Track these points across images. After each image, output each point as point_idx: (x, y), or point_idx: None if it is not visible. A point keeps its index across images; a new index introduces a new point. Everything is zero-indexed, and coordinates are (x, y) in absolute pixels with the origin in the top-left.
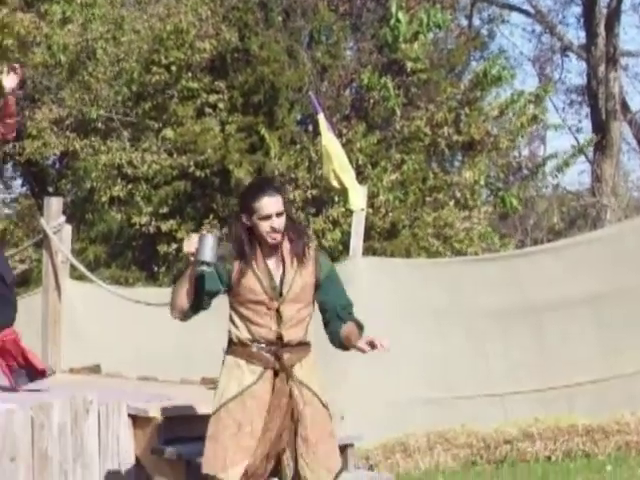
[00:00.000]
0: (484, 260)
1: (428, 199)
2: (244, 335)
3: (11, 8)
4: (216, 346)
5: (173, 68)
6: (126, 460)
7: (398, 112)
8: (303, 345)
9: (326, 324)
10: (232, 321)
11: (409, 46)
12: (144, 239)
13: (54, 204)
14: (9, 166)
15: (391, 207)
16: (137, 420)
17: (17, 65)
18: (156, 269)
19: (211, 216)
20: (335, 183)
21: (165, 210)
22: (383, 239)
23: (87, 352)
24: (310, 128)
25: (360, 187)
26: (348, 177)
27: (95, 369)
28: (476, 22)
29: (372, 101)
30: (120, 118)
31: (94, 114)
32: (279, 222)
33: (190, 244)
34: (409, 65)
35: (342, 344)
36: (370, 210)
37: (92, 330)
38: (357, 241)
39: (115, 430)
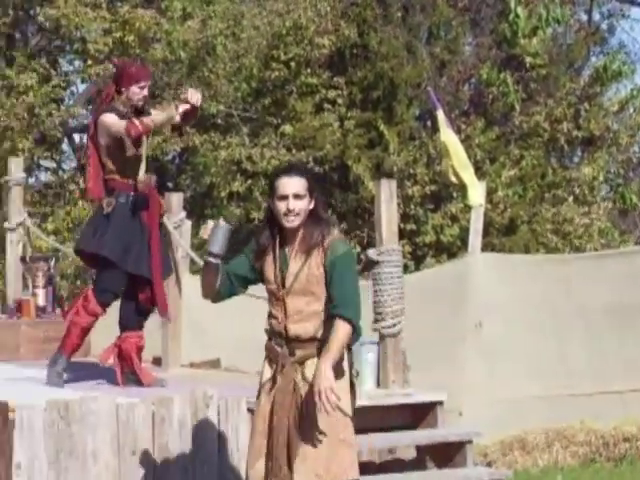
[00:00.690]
0: (603, 256)
1: (547, 195)
2: (266, 327)
3: (132, 5)
4: None
5: (292, 64)
6: (245, 454)
7: (517, 107)
8: (316, 341)
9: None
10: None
11: (528, 41)
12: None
13: (174, 200)
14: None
15: (510, 203)
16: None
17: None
18: None
19: (330, 211)
20: (454, 179)
21: None
22: (502, 235)
23: (207, 346)
24: (429, 124)
25: (479, 183)
26: (467, 173)
27: (215, 363)
28: (596, 17)
29: (491, 96)
30: (239, 114)
31: (214, 110)
32: (295, 204)
33: (204, 231)
34: (528, 60)
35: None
36: (489, 206)
37: (211, 324)
38: (475, 237)
39: (234, 424)
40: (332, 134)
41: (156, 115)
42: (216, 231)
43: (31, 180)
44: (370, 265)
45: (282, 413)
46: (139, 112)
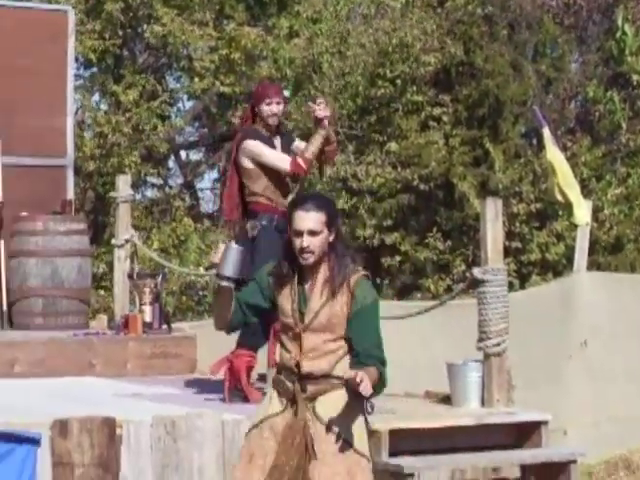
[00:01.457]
0: None
1: None
2: (278, 359)
3: (238, 22)
4: (441, 360)
5: (398, 81)
6: None
7: (624, 125)
8: (328, 378)
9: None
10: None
11: (635, 59)
12: (368, 252)
13: None
14: None
15: (616, 221)
16: None
17: (322, 99)
18: (380, 281)
19: (434, 229)
20: (559, 197)
21: (389, 223)
22: (607, 253)
23: None
24: (534, 141)
25: (585, 201)
26: (573, 192)
27: None
28: None
29: (597, 114)
30: (345, 131)
31: None
32: (309, 241)
33: (216, 253)
34: (635, 78)
35: None
36: (594, 224)
37: None
38: (581, 256)
39: None
40: (437, 152)
41: (309, 145)
42: (228, 253)
43: (137, 196)
44: (475, 284)
45: (290, 452)
46: (277, 132)
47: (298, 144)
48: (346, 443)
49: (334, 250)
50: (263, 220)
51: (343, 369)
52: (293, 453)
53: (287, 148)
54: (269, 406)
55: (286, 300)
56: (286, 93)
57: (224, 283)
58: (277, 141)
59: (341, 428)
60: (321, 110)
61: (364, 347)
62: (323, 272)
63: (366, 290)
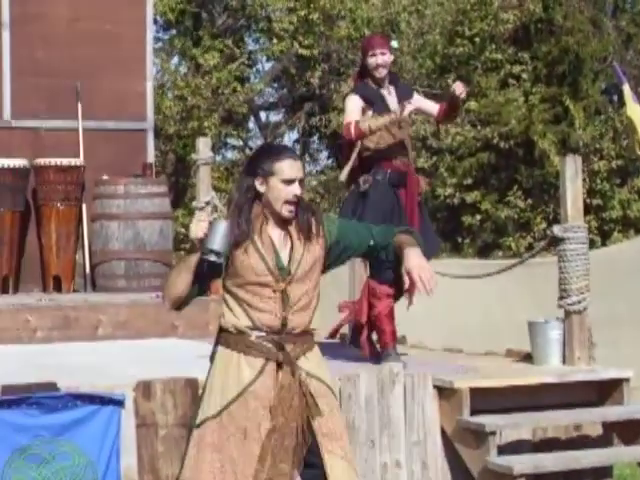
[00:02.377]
0: None
1: None
2: (242, 322)
3: None
4: (522, 318)
5: (477, 40)
6: (432, 431)
7: None
8: (307, 335)
9: (377, 261)
10: (227, 306)
11: None
12: (448, 210)
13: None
14: (315, 138)
15: None
16: (442, 391)
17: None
18: (460, 240)
19: (515, 187)
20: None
21: (469, 181)
22: None
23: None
24: (615, 98)
25: None
26: None
27: (401, 340)
28: None
29: None
30: (425, 90)
31: None
32: (300, 190)
33: (199, 229)
34: None
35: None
36: None
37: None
38: None
39: (421, 401)
40: (517, 109)
41: (376, 119)
42: (217, 227)
43: (218, 158)
44: (555, 242)
45: (291, 414)
46: (392, 82)
47: (418, 102)
48: (334, 396)
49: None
50: (377, 175)
51: (315, 322)
52: (292, 414)
53: (405, 98)
54: (241, 374)
55: (255, 259)
56: (394, 44)
57: (212, 258)
58: (390, 92)
59: (331, 383)
60: (461, 91)
61: (374, 237)
62: (282, 224)
63: (330, 219)
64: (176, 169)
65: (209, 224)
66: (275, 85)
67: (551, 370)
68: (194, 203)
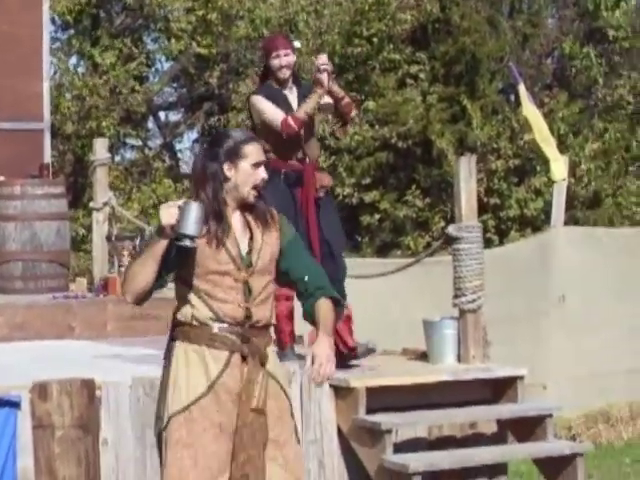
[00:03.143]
0: None
1: (631, 168)
2: (203, 314)
3: None
4: (419, 317)
5: (375, 40)
6: (328, 430)
7: (600, 81)
8: (268, 329)
9: (298, 296)
10: (182, 298)
11: (611, 14)
12: (347, 210)
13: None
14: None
15: (594, 176)
16: (339, 390)
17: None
18: (359, 239)
19: (413, 186)
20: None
21: (368, 181)
22: (586, 208)
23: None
24: (512, 97)
25: (561, 157)
26: (549, 148)
27: (298, 340)
28: None
29: (574, 70)
30: None
31: None
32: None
33: (170, 214)
34: (611, 33)
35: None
36: (572, 179)
37: None
38: (558, 211)
39: (317, 400)
40: (415, 109)
41: (303, 104)
42: (188, 210)
43: (117, 158)
44: (449, 241)
45: (254, 413)
46: (295, 83)
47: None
48: (287, 397)
49: None
50: (274, 177)
51: (273, 317)
52: (263, 409)
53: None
54: (206, 367)
55: (211, 246)
56: (297, 44)
57: (187, 243)
58: (292, 93)
59: (284, 382)
60: (324, 62)
61: (310, 276)
62: (241, 212)
63: (286, 222)
64: (74, 169)
65: (179, 208)
66: (174, 85)
67: (446, 368)
68: (91, 204)
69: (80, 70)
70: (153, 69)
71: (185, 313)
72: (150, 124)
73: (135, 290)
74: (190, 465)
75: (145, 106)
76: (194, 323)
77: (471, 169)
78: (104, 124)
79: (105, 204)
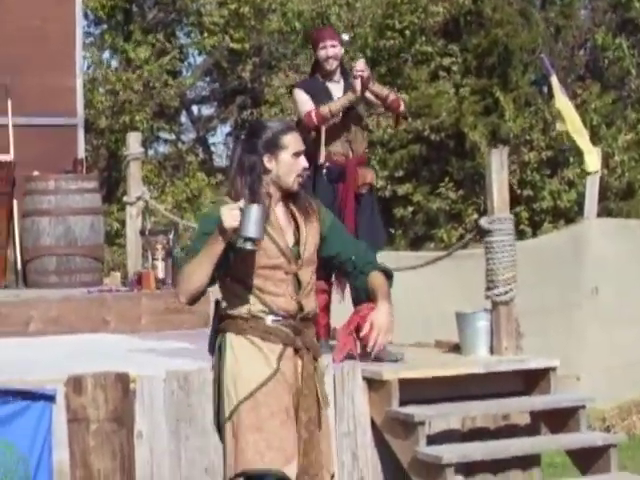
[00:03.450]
0: None
1: None
2: (256, 307)
3: None
4: (452, 310)
5: (407, 32)
6: (362, 422)
7: (633, 72)
8: (315, 319)
9: (347, 277)
10: (233, 295)
11: None
12: (380, 203)
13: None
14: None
15: (627, 167)
16: (372, 383)
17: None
18: (393, 232)
19: (446, 179)
20: (568, 144)
21: (401, 174)
22: (619, 199)
23: None
24: (544, 89)
25: (595, 149)
26: (582, 139)
27: (333, 332)
28: None
29: (606, 61)
30: None
31: None
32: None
33: (232, 217)
34: None
35: (369, 299)
36: (605, 171)
37: None
38: (591, 203)
39: (350, 393)
40: (448, 102)
41: (332, 102)
42: (250, 213)
43: (150, 152)
44: (482, 233)
45: (310, 401)
46: (342, 76)
47: (370, 92)
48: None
49: None
50: (316, 172)
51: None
52: (312, 401)
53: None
54: (266, 357)
55: (266, 241)
56: (345, 37)
57: (248, 246)
58: (337, 86)
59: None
60: (360, 69)
61: (357, 255)
62: (284, 203)
63: (323, 208)
64: (109, 164)
65: (240, 211)
66: (207, 79)
67: (479, 360)
68: (125, 198)
69: (113, 65)
70: (186, 63)
71: (237, 307)
72: (183, 118)
73: (190, 291)
74: (265, 447)
75: (178, 100)
76: (248, 316)
77: (503, 161)
78: (137, 118)
79: (138, 198)
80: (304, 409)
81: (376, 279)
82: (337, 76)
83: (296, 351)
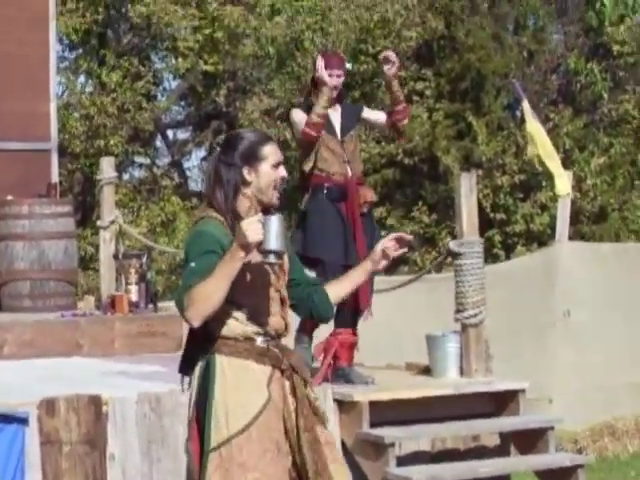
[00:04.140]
0: None
1: (637, 182)
2: (249, 328)
3: (220, 2)
4: (425, 332)
5: (380, 57)
6: None
7: (605, 96)
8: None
9: (303, 300)
10: (225, 314)
11: (615, 29)
12: None
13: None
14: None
15: (599, 191)
16: (342, 405)
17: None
18: None
19: (420, 202)
20: (539, 168)
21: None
22: (592, 223)
23: None
24: (517, 113)
25: (565, 172)
26: (553, 163)
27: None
28: None
29: (579, 85)
30: None
31: None
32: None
33: (256, 231)
34: (615, 48)
35: (336, 302)
36: (578, 194)
37: None
38: (563, 226)
39: None
40: (421, 126)
41: (315, 105)
42: (270, 226)
43: (125, 176)
44: (452, 256)
45: (308, 423)
46: (338, 101)
47: (368, 114)
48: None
49: None
50: (316, 193)
51: None
52: (310, 425)
53: (350, 118)
54: (258, 383)
55: (256, 257)
56: (349, 66)
57: (272, 259)
58: (335, 110)
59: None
60: (394, 57)
61: (306, 280)
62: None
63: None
64: (83, 188)
65: (261, 224)
66: (182, 103)
67: (449, 382)
68: (98, 222)
69: (88, 89)
70: (161, 87)
71: (230, 327)
72: (158, 142)
73: (206, 313)
74: None
75: (153, 124)
76: (240, 338)
77: (472, 185)
78: (112, 142)
79: (112, 222)
80: (307, 429)
81: (333, 282)
82: (334, 102)
83: (282, 372)
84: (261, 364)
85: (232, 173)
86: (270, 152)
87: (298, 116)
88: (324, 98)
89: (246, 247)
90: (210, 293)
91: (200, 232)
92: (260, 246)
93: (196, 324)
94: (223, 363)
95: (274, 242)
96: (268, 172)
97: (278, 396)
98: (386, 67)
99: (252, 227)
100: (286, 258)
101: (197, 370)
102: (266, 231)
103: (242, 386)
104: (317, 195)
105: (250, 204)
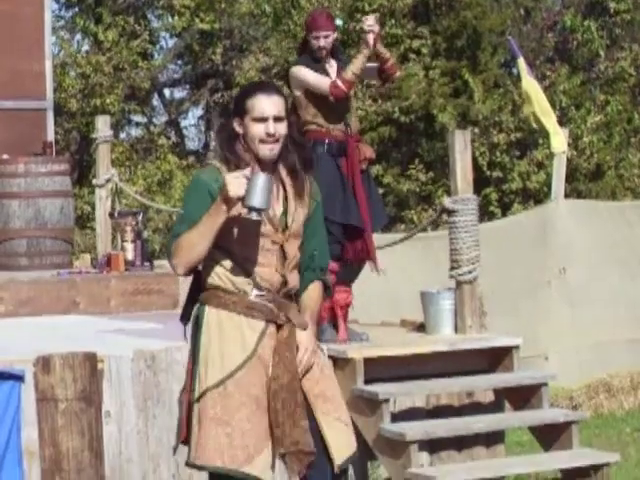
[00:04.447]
0: None
1: (633, 140)
2: (240, 278)
3: None
4: (419, 288)
5: (377, 14)
6: None
7: (602, 53)
8: (296, 296)
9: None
10: (216, 262)
11: None
12: None
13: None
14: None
15: (596, 149)
16: (337, 361)
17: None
18: None
19: (416, 160)
20: (536, 126)
21: None
22: (588, 181)
23: None
24: (514, 71)
25: (561, 130)
26: (549, 120)
27: None
28: None
29: (575, 43)
30: None
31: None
32: (276, 127)
33: (238, 185)
34: (612, 6)
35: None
36: (574, 152)
37: None
38: (558, 184)
39: None
40: (417, 84)
41: (350, 65)
42: (256, 182)
43: (122, 135)
44: (447, 214)
45: (293, 369)
46: (333, 56)
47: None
48: (323, 354)
49: (294, 144)
50: (317, 147)
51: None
52: (294, 369)
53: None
54: (243, 337)
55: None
56: (338, 22)
57: (253, 216)
58: (331, 66)
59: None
60: (371, 24)
61: (319, 253)
62: (282, 169)
63: (316, 187)
64: (80, 147)
65: (246, 179)
66: (178, 62)
67: (443, 339)
68: (94, 180)
69: (85, 48)
70: (157, 46)
71: (220, 276)
72: (155, 101)
73: (190, 262)
74: (226, 443)
75: (149, 83)
76: (230, 288)
77: (466, 142)
78: (108, 101)
79: (108, 181)
80: (273, 378)
81: (315, 293)
82: (328, 59)
83: (279, 328)
84: (250, 318)
85: (225, 123)
86: (253, 105)
87: (307, 73)
88: (363, 58)
89: (228, 201)
90: (194, 243)
91: (194, 180)
92: (243, 201)
93: (180, 272)
94: (210, 316)
95: (256, 199)
96: (250, 125)
97: (269, 351)
98: (369, 36)
99: (235, 181)
100: (298, 218)
101: (192, 319)
102: (250, 187)
103: (225, 339)
104: (317, 149)
105: (250, 156)
